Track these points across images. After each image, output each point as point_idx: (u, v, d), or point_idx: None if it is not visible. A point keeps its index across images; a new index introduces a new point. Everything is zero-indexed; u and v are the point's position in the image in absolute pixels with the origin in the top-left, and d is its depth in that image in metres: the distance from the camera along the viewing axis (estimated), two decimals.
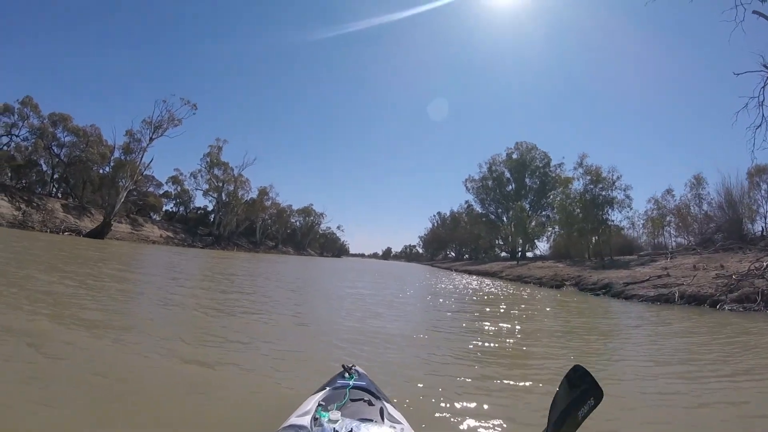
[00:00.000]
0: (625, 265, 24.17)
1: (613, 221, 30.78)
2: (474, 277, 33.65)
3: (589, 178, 31.36)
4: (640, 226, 32.17)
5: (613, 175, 30.23)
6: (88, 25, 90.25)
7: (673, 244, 30.07)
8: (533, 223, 46.49)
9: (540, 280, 25.35)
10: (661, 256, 23.73)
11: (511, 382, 4.41)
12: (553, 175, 60.29)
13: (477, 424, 3.14)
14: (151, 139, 43.87)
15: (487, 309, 12.13)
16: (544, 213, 60.63)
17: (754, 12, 22.32)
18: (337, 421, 1.72)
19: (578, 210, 32.62)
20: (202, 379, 3.81)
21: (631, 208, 30.31)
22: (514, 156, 63.19)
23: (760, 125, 21.31)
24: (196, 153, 78.86)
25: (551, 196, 60.68)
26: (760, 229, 24.25)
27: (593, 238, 32.59)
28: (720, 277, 16.11)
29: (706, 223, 26.90)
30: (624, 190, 30.02)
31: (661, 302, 15.14)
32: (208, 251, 43.77)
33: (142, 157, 44.36)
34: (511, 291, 20.29)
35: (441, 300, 14.38)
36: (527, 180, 62.26)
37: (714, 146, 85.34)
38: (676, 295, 15.17)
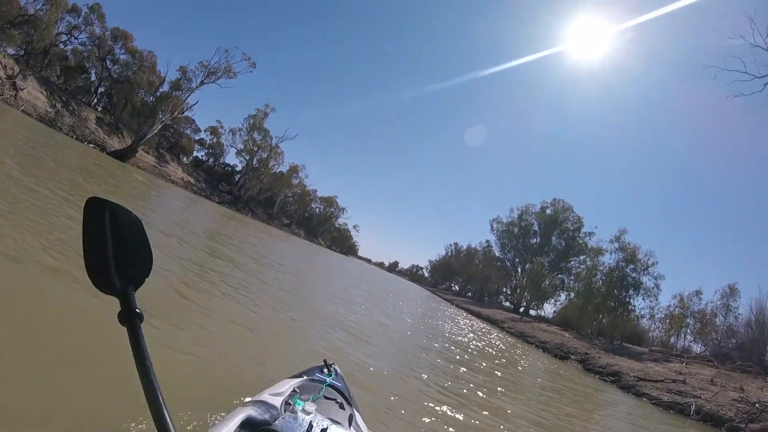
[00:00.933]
0: (636, 356, 23.07)
1: (634, 307, 29.61)
2: (475, 319, 32.66)
3: (623, 255, 30.25)
4: (657, 319, 30.74)
5: (648, 259, 29.13)
6: None
7: (687, 347, 28.74)
8: (547, 283, 45.16)
9: (544, 345, 24.36)
10: (676, 358, 22.56)
11: None
12: (580, 242, 59.30)
13: None
14: (201, 82, 42.77)
15: (482, 364, 11.40)
16: (559, 276, 59.37)
17: None
18: (311, 414, 1.66)
19: (601, 284, 31.47)
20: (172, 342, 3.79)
21: (656, 299, 29.09)
22: (548, 211, 62.62)
23: None
24: (242, 112, 78.51)
25: (572, 262, 59.67)
26: None
27: (604, 317, 31.41)
28: (741, 402, 15.12)
29: (727, 337, 25.62)
30: (655, 278, 28.89)
31: (674, 411, 14.22)
32: (222, 208, 43.31)
33: (188, 96, 43.32)
34: (513, 350, 19.45)
35: (435, 343, 13.69)
36: (554, 238, 61.33)
37: (756, 262, 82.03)
38: (692, 408, 14.23)
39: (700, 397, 15.26)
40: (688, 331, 28.62)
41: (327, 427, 1.63)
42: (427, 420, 4.67)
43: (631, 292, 29.35)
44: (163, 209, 16.59)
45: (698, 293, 29.53)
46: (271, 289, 9.47)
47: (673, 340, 30.02)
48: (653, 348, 26.14)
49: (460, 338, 15.59)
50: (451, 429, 4.62)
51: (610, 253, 32.22)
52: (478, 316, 38.40)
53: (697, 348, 29.33)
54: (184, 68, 44.24)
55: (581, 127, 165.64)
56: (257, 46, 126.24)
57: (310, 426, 1.60)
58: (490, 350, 15.17)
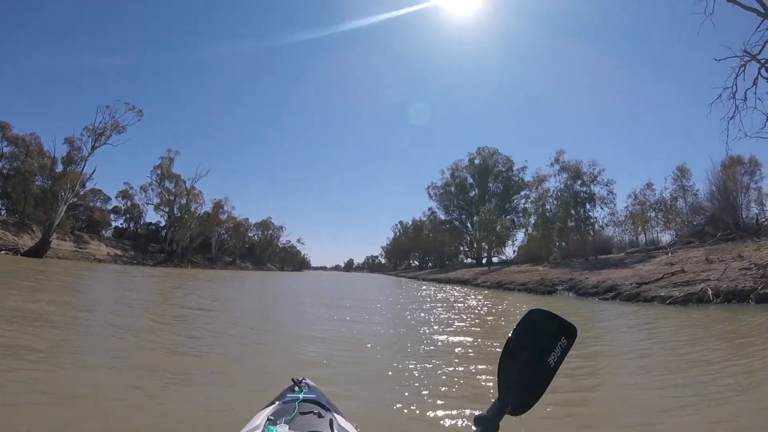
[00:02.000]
0: (618, 264, 21.82)
1: (596, 219, 28.66)
2: (447, 287, 30.54)
3: (567, 174, 29.15)
4: (619, 222, 30.08)
5: (594, 169, 28.18)
6: (25, 24, 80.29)
7: (660, 240, 28.27)
8: (499, 227, 44.13)
9: (525, 286, 22.54)
10: (658, 252, 21.50)
11: None
12: (516, 179, 59.55)
13: None
14: (93, 148, 41.07)
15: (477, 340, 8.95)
16: (508, 217, 59.17)
17: (729, 0, 21.48)
18: None
19: (556, 209, 30.31)
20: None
21: (614, 204, 28.26)
22: (477, 161, 62.36)
23: (733, 116, 20.41)
24: (148, 166, 72.45)
25: (515, 200, 59.78)
26: (754, 217, 22.53)
27: (568, 239, 30.38)
28: (750, 269, 13.80)
29: (694, 216, 25.17)
30: (606, 185, 28.01)
31: (693, 302, 12.52)
32: (157, 269, 40.53)
33: (83, 167, 41.71)
34: (497, 304, 17.33)
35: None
36: (490, 185, 61.17)
37: (691, 140, 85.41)
38: (710, 292, 12.61)
39: (710, 279, 13.79)
40: (655, 224, 28.13)
41: None
42: None
43: (588, 206, 28.34)
44: (95, 294, 14.22)
45: (650, 185, 29.22)
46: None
47: (641, 237, 29.56)
48: (629, 251, 25.21)
49: (442, 318, 13.07)
50: None
51: (554, 176, 31.08)
52: (447, 281, 36.45)
53: (667, 237, 29.08)
54: (71, 139, 42.62)
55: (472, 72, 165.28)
56: (137, 93, 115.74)
57: None
58: (478, 314, 12.78)
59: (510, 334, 1.05)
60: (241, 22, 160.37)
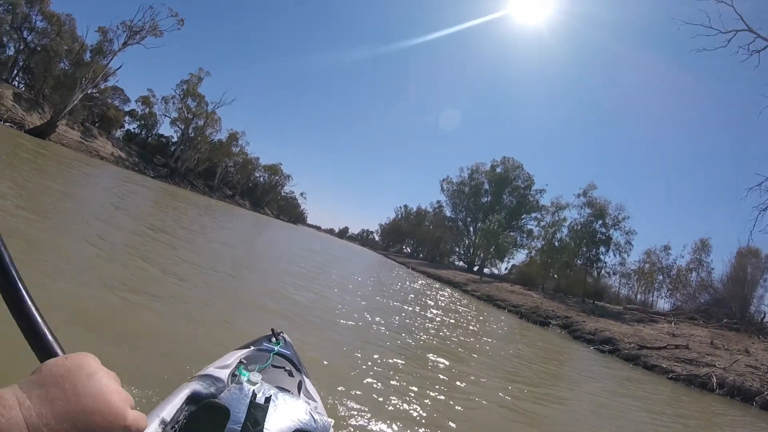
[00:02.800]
0: (617, 316, 21.24)
1: (605, 263, 27.91)
2: (436, 283, 30.00)
3: (590, 210, 28.24)
4: (622, 275, 29.37)
5: (619, 214, 27.29)
6: None
7: (656, 304, 27.64)
8: (501, 240, 43.39)
9: (517, 309, 21.97)
10: (660, 318, 20.88)
11: None
12: (532, 199, 58.73)
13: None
14: (125, 44, 39.11)
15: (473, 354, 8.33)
16: (511, 233, 58.69)
17: None
18: (257, 383, 1.60)
19: (569, 240, 29.54)
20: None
21: (628, 255, 27.49)
22: (498, 170, 61.45)
23: (766, 209, 19.74)
24: (175, 80, 70.52)
25: (524, 219, 59.01)
26: (761, 313, 21.89)
27: (569, 274, 29.71)
28: (758, 369, 13.22)
29: (701, 292, 24.49)
30: (627, 234, 27.16)
31: (695, 385, 11.96)
32: (158, 183, 39.42)
33: (110, 60, 39.80)
34: (492, 321, 16.75)
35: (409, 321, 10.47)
36: (505, 196, 60.29)
37: (719, 220, 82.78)
38: (714, 381, 12.01)
39: (715, 366, 13.23)
40: (658, 287, 27.47)
41: (271, 395, 1.57)
42: None
43: (602, 248, 27.54)
44: (89, 193, 13.80)
45: (666, 248, 28.40)
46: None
47: (639, 296, 28.95)
48: (628, 306, 24.60)
49: (430, 316, 12.44)
50: None
51: (577, 208, 30.17)
52: (438, 279, 35.88)
53: (663, 304, 28.53)
54: (104, 29, 40.59)
55: (528, 89, 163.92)
56: (185, 3, 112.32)
57: (255, 395, 1.53)
58: (469, 325, 12.16)
59: None
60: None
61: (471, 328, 12.01)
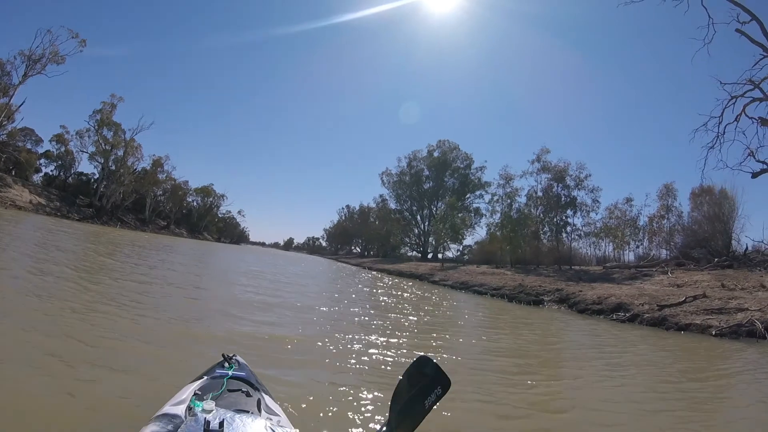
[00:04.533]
0: (605, 278, 19.84)
1: (575, 226, 26.69)
2: (401, 281, 27.54)
3: (549, 175, 26.92)
4: (593, 235, 28.36)
5: (581, 173, 26.12)
6: None
7: (631, 257, 26.90)
8: (458, 221, 41.87)
9: (500, 292, 19.91)
10: (652, 270, 19.67)
11: None
12: (473, 177, 58.17)
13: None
14: (25, 75, 36.84)
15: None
16: (460, 215, 57.91)
17: (737, 30, 21.44)
18: (211, 411, 1.59)
19: (528, 209, 28.12)
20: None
21: (597, 213, 26.43)
22: (436, 154, 60.49)
23: (713, 145, 20.33)
24: (89, 112, 63.86)
25: (469, 198, 58.30)
26: (745, 246, 21.42)
27: (537, 244, 28.38)
28: None
29: (676, 236, 23.86)
30: (592, 191, 26.05)
31: (743, 336, 10.27)
32: (83, 225, 37.01)
33: (12, 96, 37.74)
34: (485, 311, 14.57)
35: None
36: (446, 180, 59.32)
37: (676, 163, 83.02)
38: (759, 325, 10.42)
39: (747, 308, 11.75)
40: (630, 241, 26.69)
41: (224, 419, 1.53)
42: None
43: (568, 211, 26.30)
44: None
45: (629, 200, 27.70)
46: None
47: (610, 253, 28.14)
48: (607, 265, 23.42)
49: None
50: None
51: (534, 175, 28.79)
52: (399, 274, 33.44)
53: (626, 256, 27.95)
54: (0, 61, 37.68)
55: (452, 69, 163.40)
56: (83, 22, 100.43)
57: (208, 424, 1.49)
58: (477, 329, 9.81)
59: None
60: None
61: (481, 333, 9.59)
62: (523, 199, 30.19)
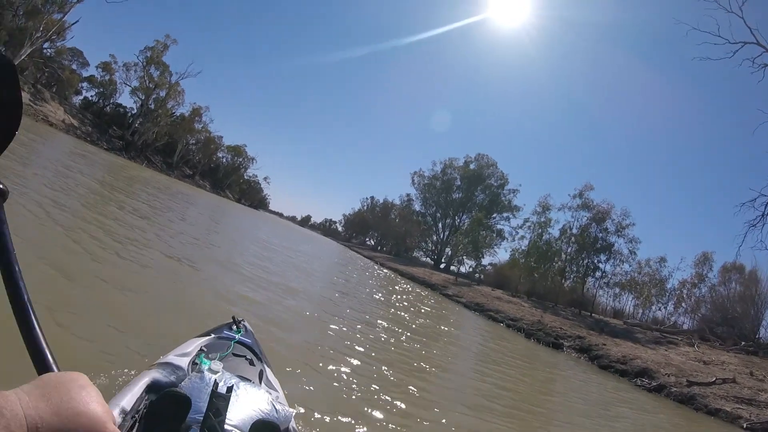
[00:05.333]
0: (627, 334, 19.38)
1: (604, 272, 26.06)
2: (415, 287, 27.33)
3: (588, 213, 26.32)
4: (612, 285, 27.66)
5: (623, 220, 25.42)
6: None
7: (649, 317, 26.26)
8: (482, 236, 41.34)
9: (517, 324, 19.53)
10: (676, 337, 19.15)
11: None
12: (504, 199, 57.40)
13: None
14: None
15: None
16: (483, 233, 57.50)
17: None
18: (218, 372, 1.60)
19: (558, 244, 27.59)
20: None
21: (630, 266, 25.77)
22: (472, 166, 59.84)
23: (755, 224, 18.75)
24: (142, 47, 64.95)
25: (494, 219, 57.63)
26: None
27: (562, 281, 27.86)
28: None
29: (709, 310, 23.10)
30: (631, 242, 25.35)
31: None
32: (111, 157, 36.16)
33: (67, 13, 35.59)
34: (505, 343, 14.29)
35: None
36: (477, 194, 58.74)
37: (711, 235, 77.91)
38: None
39: None
40: (656, 301, 26.03)
41: (233, 385, 1.56)
42: None
43: (602, 256, 25.68)
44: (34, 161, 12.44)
45: (662, 260, 26.96)
46: None
47: (629, 305, 27.50)
48: (627, 321, 22.89)
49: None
50: None
51: (572, 210, 28.17)
52: (412, 278, 33.22)
53: (646, 315, 27.27)
54: None
55: (509, 91, 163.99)
56: None
57: (216, 385, 1.51)
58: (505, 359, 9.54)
59: None
60: None
61: (495, 370, 9.33)
62: (555, 232, 29.73)
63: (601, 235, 25.61)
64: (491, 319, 20.99)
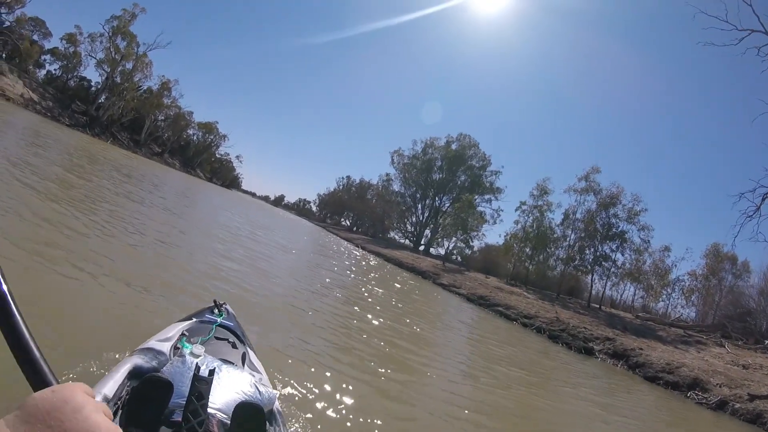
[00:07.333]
0: (646, 332, 18.28)
1: (614, 261, 24.93)
2: (409, 277, 25.59)
3: (595, 197, 25.03)
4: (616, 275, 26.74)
5: (635, 205, 24.21)
6: None
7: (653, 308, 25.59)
8: (470, 219, 39.94)
9: (532, 322, 18.00)
10: (701, 336, 18.24)
11: None
12: (485, 180, 56.30)
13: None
14: None
15: None
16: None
17: None
18: (200, 356, 1.61)
19: (561, 230, 26.37)
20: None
21: (642, 254, 24.67)
22: (453, 146, 58.50)
23: (752, 216, 17.61)
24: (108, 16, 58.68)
25: (476, 200, 56.61)
26: None
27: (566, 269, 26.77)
28: None
29: (733, 305, 22.35)
30: (643, 230, 24.24)
31: None
32: (71, 132, 34.62)
33: None
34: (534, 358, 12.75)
35: None
36: (459, 175, 57.54)
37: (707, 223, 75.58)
38: None
39: None
40: (677, 297, 25.35)
41: (215, 368, 1.54)
42: None
43: (612, 244, 24.51)
44: None
45: (666, 248, 26.12)
46: None
47: (628, 296, 26.76)
48: (640, 315, 21.98)
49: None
50: None
51: (576, 194, 26.82)
52: (399, 264, 31.44)
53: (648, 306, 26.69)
54: None
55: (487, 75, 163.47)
56: None
57: (198, 368, 1.48)
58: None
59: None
60: None
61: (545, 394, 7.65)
62: (555, 216, 28.49)
63: (614, 221, 24.45)
64: (502, 316, 19.45)
